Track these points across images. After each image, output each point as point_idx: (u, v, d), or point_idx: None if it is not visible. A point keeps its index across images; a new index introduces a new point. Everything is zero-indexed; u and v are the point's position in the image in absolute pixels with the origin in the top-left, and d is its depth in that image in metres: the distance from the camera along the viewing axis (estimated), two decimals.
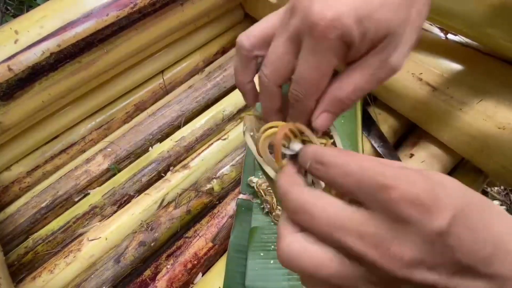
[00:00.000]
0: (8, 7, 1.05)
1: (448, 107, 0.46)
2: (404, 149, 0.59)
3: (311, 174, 0.16)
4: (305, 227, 0.15)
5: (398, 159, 0.55)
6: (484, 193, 0.76)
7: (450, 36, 0.48)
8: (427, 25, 0.50)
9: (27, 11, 1.04)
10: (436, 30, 0.49)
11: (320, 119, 0.19)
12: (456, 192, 0.14)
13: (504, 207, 0.74)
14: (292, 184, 0.17)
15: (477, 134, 0.45)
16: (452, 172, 0.59)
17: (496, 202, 0.75)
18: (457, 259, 0.13)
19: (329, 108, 0.19)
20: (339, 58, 0.18)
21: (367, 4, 0.17)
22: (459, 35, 0.47)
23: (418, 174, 0.14)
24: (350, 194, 0.15)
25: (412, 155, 0.57)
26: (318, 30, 0.17)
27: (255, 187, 0.53)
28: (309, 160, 0.17)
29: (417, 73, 0.48)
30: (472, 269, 0.13)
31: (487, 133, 0.43)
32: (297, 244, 0.15)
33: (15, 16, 1.04)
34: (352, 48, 0.17)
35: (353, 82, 0.18)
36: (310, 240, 0.15)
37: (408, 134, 0.62)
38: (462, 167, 0.60)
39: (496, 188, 0.75)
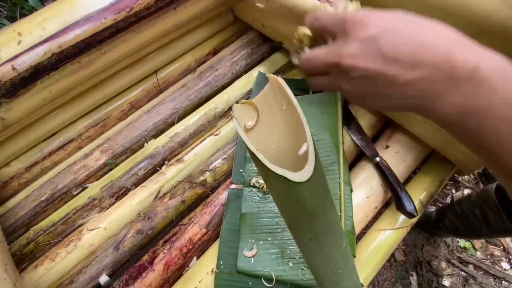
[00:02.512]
0: (1, 9, 1.06)
1: None
2: (381, 142, 0.65)
3: (312, 29, 0.28)
4: (310, 64, 0.27)
5: (375, 151, 0.61)
6: (455, 181, 0.82)
7: None
8: None
9: (20, 12, 1.06)
10: None
11: None
12: (390, 16, 0.23)
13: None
14: (304, 54, 0.28)
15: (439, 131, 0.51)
16: (424, 161, 0.65)
17: (467, 190, 0.82)
18: (384, 53, 0.21)
19: None
20: None
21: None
22: None
23: (363, 11, 0.24)
24: (331, 33, 0.26)
25: (387, 147, 0.63)
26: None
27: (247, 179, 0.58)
28: (309, 20, 0.28)
29: None
30: (398, 60, 0.21)
31: None
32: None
33: (8, 17, 1.06)
34: None
35: None
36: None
37: (384, 128, 0.68)
38: (433, 157, 0.66)
39: (466, 176, 0.82)
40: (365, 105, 0.26)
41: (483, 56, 0.20)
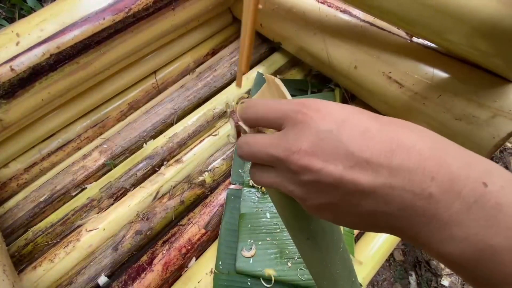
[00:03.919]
0: (0, 10, 1.06)
1: (413, 102, 0.52)
2: None
3: (244, 122, 0.21)
4: (248, 154, 0.20)
5: None
6: None
7: (414, 39, 0.54)
8: (394, 29, 0.56)
9: (19, 13, 1.06)
10: (402, 34, 0.55)
11: None
12: (348, 107, 0.17)
13: None
14: (243, 136, 0.21)
15: (438, 125, 0.51)
16: None
17: None
18: (350, 151, 0.15)
19: None
20: None
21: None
22: (422, 39, 0.53)
23: (315, 99, 0.18)
24: (270, 125, 0.20)
25: None
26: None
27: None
28: (239, 113, 0.21)
29: (387, 72, 0.54)
30: (370, 162, 0.15)
31: (446, 124, 0.50)
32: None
33: (6, 18, 1.06)
34: None
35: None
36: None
37: None
38: None
39: None
40: (329, 219, 0.18)
41: (485, 167, 0.15)
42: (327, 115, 0.17)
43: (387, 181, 0.15)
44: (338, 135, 0.16)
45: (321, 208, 0.18)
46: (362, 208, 0.16)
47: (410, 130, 0.16)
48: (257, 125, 0.21)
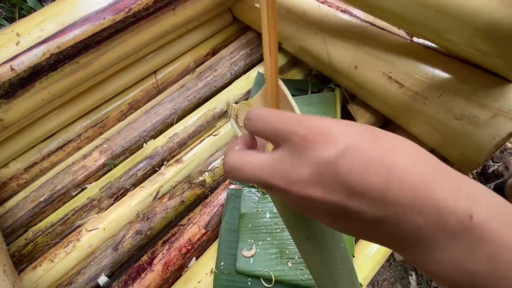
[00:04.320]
0: (0, 10, 1.06)
1: (414, 102, 0.52)
2: None
3: (246, 130, 0.20)
4: (239, 179, 0.19)
5: None
6: None
7: (414, 39, 0.54)
8: (395, 29, 0.56)
9: (19, 13, 1.06)
10: (403, 34, 0.55)
11: None
12: (350, 129, 0.17)
13: None
14: (229, 149, 0.20)
15: (438, 125, 0.51)
16: None
17: None
18: (348, 184, 0.16)
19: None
20: None
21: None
22: (422, 39, 0.53)
23: (316, 117, 0.17)
24: (269, 139, 0.19)
25: None
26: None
27: None
28: (244, 120, 0.20)
29: (387, 72, 0.54)
30: (367, 195, 0.15)
31: (446, 124, 0.50)
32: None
33: (7, 18, 1.06)
34: None
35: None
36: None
37: (383, 128, 0.67)
38: None
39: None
40: (326, 225, 0.19)
41: (473, 194, 0.16)
42: (327, 139, 0.16)
43: (381, 213, 0.16)
44: (337, 167, 0.16)
45: (321, 219, 0.18)
46: (358, 228, 0.17)
47: (406, 155, 0.16)
48: (256, 135, 0.20)
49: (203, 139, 0.68)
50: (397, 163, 0.16)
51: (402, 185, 0.15)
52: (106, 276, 0.56)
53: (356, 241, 0.57)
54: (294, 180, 0.17)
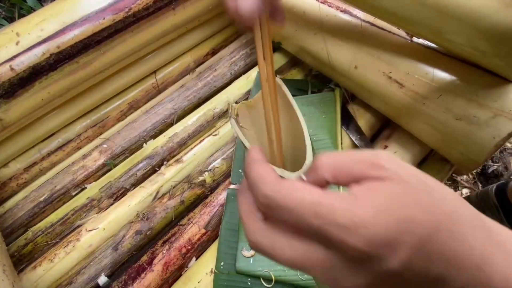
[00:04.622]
0: (0, 9, 1.06)
1: (414, 102, 0.52)
2: (379, 142, 0.65)
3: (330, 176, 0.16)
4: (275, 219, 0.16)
5: None
6: (453, 181, 0.82)
7: (414, 39, 0.54)
8: (395, 29, 0.56)
9: (19, 13, 1.06)
10: (403, 34, 0.55)
11: None
12: (423, 219, 0.14)
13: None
14: (260, 178, 0.16)
15: (438, 125, 0.51)
16: (421, 162, 0.66)
17: (465, 190, 0.82)
18: (431, 269, 0.14)
19: None
20: None
21: None
22: (422, 39, 0.53)
23: (375, 210, 0.14)
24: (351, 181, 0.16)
25: (386, 147, 0.63)
26: None
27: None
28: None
29: (387, 72, 0.54)
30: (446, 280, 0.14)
31: (447, 124, 0.50)
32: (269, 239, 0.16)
33: (6, 18, 1.06)
34: None
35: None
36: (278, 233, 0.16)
37: (383, 128, 0.68)
38: (431, 157, 0.67)
39: (464, 176, 0.82)
40: None
41: None
42: (397, 250, 0.14)
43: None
44: (400, 276, 0.14)
45: None
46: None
47: (473, 229, 0.15)
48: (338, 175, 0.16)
49: (203, 139, 0.68)
50: (465, 242, 0.14)
51: (459, 274, 0.14)
52: (106, 276, 0.56)
53: None
54: (347, 286, 0.14)
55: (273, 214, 0.16)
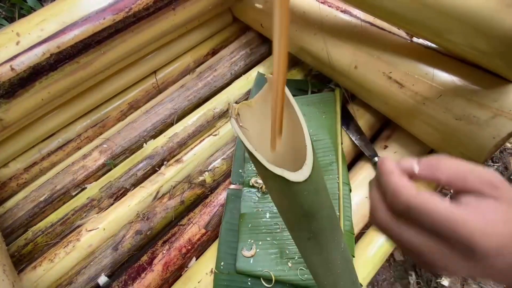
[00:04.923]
0: (0, 9, 1.06)
1: (414, 102, 0.52)
2: (379, 141, 0.65)
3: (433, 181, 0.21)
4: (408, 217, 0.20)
5: (374, 151, 0.61)
6: None
7: (414, 39, 0.54)
8: (395, 29, 0.56)
9: (19, 13, 1.06)
10: (403, 34, 0.55)
11: None
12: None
13: None
14: (401, 188, 0.20)
15: (438, 125, 0.51)
16: None
17: None
18: None
19: None
20: None
21: None
22: (422, 39, 0.53)
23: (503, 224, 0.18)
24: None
25: (386, 147, 0.63)
26: None
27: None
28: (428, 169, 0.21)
29: (387, 72, 0.54)
30: None
31: (446, 124, 0.50)
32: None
33: (6, 18, 1.06)
34: None
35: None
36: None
37: (383, 128, 0.68)
38: None
39: None
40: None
41: None
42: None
43: None
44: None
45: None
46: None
47: None
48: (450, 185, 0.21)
49: (203, 139, 0.68)
50: None
51: None
52: (106, 276, 0.56)
53: (356, 241, 0.57)
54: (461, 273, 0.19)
55: (409, 215, 0.20)
